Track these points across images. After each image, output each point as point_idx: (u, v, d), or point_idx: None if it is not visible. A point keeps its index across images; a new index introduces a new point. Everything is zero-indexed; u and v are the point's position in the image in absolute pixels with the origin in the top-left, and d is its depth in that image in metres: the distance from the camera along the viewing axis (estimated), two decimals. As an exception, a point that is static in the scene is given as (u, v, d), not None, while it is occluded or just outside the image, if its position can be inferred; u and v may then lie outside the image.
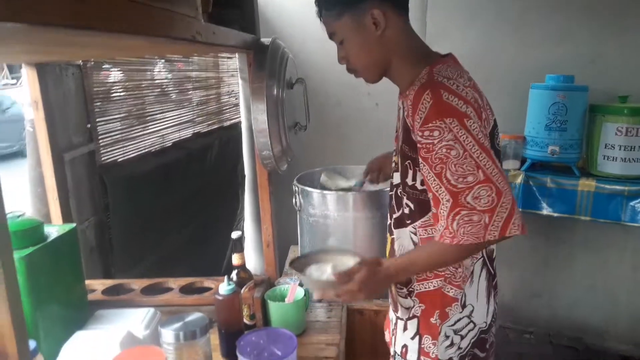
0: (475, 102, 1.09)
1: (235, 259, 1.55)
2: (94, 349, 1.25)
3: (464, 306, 1.22)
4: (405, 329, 1.28)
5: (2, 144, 8.41)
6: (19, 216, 1.39)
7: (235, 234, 1.55)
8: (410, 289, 1.26)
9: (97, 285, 1.61)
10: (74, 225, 1.43)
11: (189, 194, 2.44)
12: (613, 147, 2.41)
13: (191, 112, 2.54)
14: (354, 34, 1.17)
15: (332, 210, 1.81)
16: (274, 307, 1.50)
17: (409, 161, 1.16)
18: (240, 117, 3.16)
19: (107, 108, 1.86)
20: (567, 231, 2.83)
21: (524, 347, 2.93)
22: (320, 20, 1.23)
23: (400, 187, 1.24)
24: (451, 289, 1.21)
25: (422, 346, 1.24)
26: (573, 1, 2.66)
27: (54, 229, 1.39)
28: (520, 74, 2.73)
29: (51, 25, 0.57)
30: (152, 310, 1.47)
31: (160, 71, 2.26)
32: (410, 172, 1.17)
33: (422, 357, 1.24)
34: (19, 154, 8.03)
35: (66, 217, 1.59)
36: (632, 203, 2.35)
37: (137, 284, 1.62)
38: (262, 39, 1.49)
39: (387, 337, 1.47)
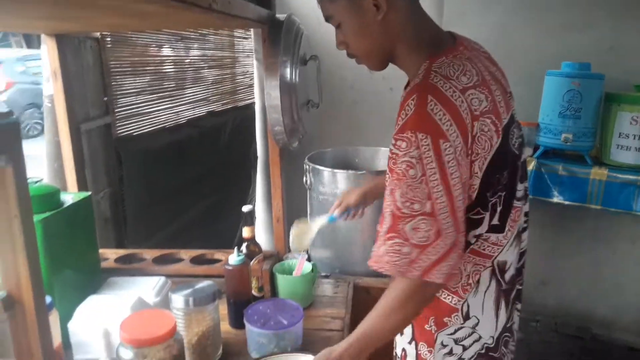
0: (470, 115, 0.96)
1: (246, 232, 1.58)
2: (106, 312, 1.29)
3: (466, 317, 1.12)
4: (402, 333, 1.22)
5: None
6: (36, 182, 1.43)
7: (246, 208, 1.58)
8: None
9: (110, 254, 1.65)
10: (89, 193, 1.46)
11: (202, 172, 2.47)
12: (627, 136, 2.40)
13: (206, 91, 2.56)
14: (352, 17, 1.05)
15: (341, 188, 1.83)
16: (282, 280, 1.53)
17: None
18: (254, 98, 3.19)
19: (124, 82, 1.89)
20: (577, 220, 2.82)
21: (530, 335, 2.94)
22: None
23: None
24: (448, 295, 1.11)
25: (419, 352, 1.17)
26: (593, -12, 2.63)
27: (70, 197, 1.42)
28: (537, 61, 2.71)
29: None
30: (163, 278, 1.51)
31: (176, 48, 2.28)
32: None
33: None
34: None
35: (82, 187, 1.63)
36: (644, 193, 2.34)
37: (149, 254, 1.66)
38: (277, 15, 1.51)
39: None
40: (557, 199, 2.53)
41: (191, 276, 1.42)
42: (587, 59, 2.51)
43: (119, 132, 1.84)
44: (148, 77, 2.04)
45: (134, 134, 1.94)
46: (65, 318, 1.25)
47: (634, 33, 2.60)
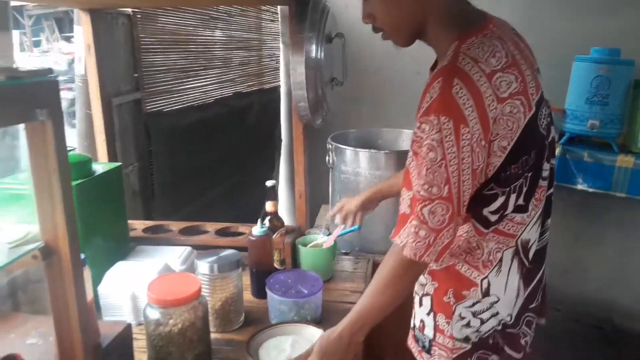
0: (495, 99, 0.95)
1: (269, 206, 1.62)
2: (134, 277, 1.35)
3: (486, 294, 1.12)
4: (420, 304, 1.23)
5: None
6: (69, 151, 1.49)
7: (269, 183, 1.61)
8: None
9: (138, 225, 1.71)
10: (119, 164, 1.52)
11: (227, 151, 2.52)
12: (656, 124, 2.36)
13: (232, 72, 2.60)
14: None
15: (363, 168, 1.85)
16: (303, 253, 1.57)
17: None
18: (280, 81, 3.22)
19: (153, 59, 1.93)
20: (602, 209, 2.79)
21: (551, 323, 2.91)
22: None
23: None
24: (468, 268, 1.12)
25: (437, 323, 1.18)
26: (626, -27, 2.58)
27: (100, 166, 1.48)
28: (565, 46, 2.67)
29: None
30: (189, 248, 1.56)
31: (204, 28, 2.32)
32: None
33: (437, 334, 1.19)
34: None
35: (112, 160, 1.69)
36: (671, 182, 2.31)
37: (176, 225, 1.71)
38: (304, -8, 1.53)
39: None
40: (581, 186, 2.51)
41: (216, 247, 1.46)
42: (617, 44, 2.47)
43: (148, 107, 1.89)
44: (177, 55, 2.08)
45: (163, 110, 1.98)
46: (95, 282, 1.31)
47: (667, 19, 2.55)
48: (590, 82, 2.44)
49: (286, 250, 1.59)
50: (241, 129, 2.65)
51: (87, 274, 1.20)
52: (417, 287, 1.24)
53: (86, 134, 1.78)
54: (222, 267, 1.29)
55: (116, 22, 1.73)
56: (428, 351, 1.21)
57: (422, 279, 1.21)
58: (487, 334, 1.15)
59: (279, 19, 3.07)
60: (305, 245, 1.61)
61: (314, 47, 1.49)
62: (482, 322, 1.14)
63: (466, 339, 1.15)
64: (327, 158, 1.99)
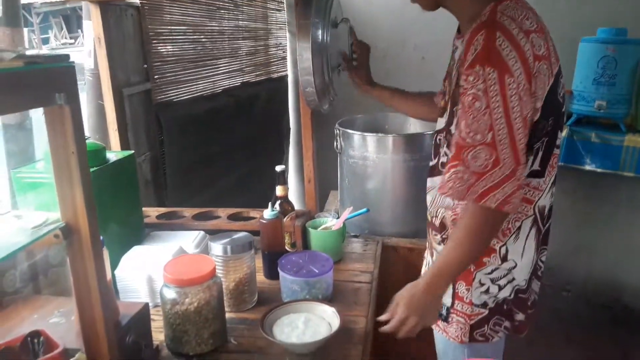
0: (532, 55, 1.02)
1: (279, 191, 1.66)
2: (150, 260, 1.39)
3: (504, 259, 1.19)
4: None
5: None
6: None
7: (279, 167, 1.65)
8: (444, 236, 1.27)
9: (152, 212, 1.75)
10: (132, 152, 1.55)
11: (236, 141, 2.55)
12: (664, 103, 2.36)
13: (240, 62, 2.63)
14: None
15: (371, 152, 1.87)
16: (313, 235, 1.60)
17: (457, 106, 1.12)
18: (287, 70, 3.25)
19: (162, 50, 1.97)
20: (610, 189, 2.80)
21: (560, 304, 2.94)
22: None
23: (442, 133, 1.24)
24: None
25: (457, 291, 1.24)
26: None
27: (114, 155, 1.52)
28: (571, 27, 2.66)
29: None
30: (202, 232, 1.61)
31: (211, 18, 2.34)
32: (455, 119, 1.14)
33: (456, 301, 1.25)
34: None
35: (125, 149, 1.73)
36: (680, 160, 2.31)
37: (189, 212, 1.75)
38: (309, -22, 1.55)
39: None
40: (589, 167, 2.52)
41: (228, 231, 1.49)
42: (624, 24, 2.46)
43: (158, 98, 1.93)
44: (185, 46, 2.12)
45: (174, 100, 2.02)
46: (111, 267, 1.34)
47: (674, -3, 2.53)
48: (597, 62, 2.44)
49: (297, 233, 1.62)
50: (250, 118, 2.68)
51: (106, 254, 1.24)
52: (435, 257, 1.31)
53: (97, 128, 1.81)
54: (235, 249, 1.32)
55: (125, 14, 1.77)
56: (445, 319, 1.27)
57: (442, 247, 1.27)
58: (502, 300, 1.22)
59: (285, 8, 3.09)
60: (315, 228, 1.64)
61: (320, 32, 1.51)
62: (500, 288, 1.21)
63: (484, 305, 1.22)
64: (335, 143, 2.02)
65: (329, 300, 1.36)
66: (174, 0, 1.99)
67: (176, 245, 1.47)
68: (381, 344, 1.79)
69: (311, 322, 1.20)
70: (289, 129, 3.30)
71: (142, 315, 1.11)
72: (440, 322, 1.29)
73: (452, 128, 1.16)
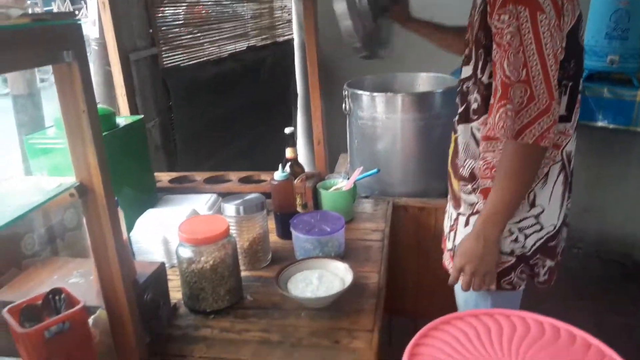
0: None
1: (288, 153, 1.66)
2: (164, 222, 1.40)
3: (532, 205, 1.21)
4: (466, 224, 1.30)
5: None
6: (94, 106, 1.53)
7: (288, 130, 1.64)
8: (475, 186, 1.27)
9: (164, 177, 1.76)
10: (141, 116, 1.56)
11: (244, 105, 2.54)
12: (678, 56, 2.31)
13: (244, 26, 2.60)
14: None
15: (380, 112, 1.86)
16: (324, 196, 1.61)
17: (481, 50, 1.15)
18: (293, 33, 3.21)
19: (167, 15, 1.95)
20: (622, 146, 2.77)
21: (572, 261, 2.95)
22: None
23: (470, 80, 1.24)
24: None
25: None
26: None
27: (123, 120, 1.52)
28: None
29: None
30: (214, 195, 1.62)
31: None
32: (481, 63, 1.17)
33: None
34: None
35: (133, 114, 1.73)
36: (694, 114, 2.28)
37: (200, 175, 1.76)
38: None
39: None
40: (601, 123, 2.49)
41: (240, 193, 1.50)
42: (637, -26, 2.39)
43: (165, 63, 1.92)
44: (189, 10, 2.09)
45: (180, 65, 2.01)
46: (127, 230, 1.37)
47: (690, -56, 2.45)
48: (609, 16, 2.39)
49: (308, 195, 1.63)
50: (257, 82, 2.67)
51: (121, 214, 1.26)
52: (463, 208, 1.32)
53: (106, 98, 1.81)
54: (248, 209, 1.34)
55: (128, -23, 1.75)
56: None
57: (472, 197, 1.28)
58: (530, 249, 1.24)
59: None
60: (326, 189, 1.64)
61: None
62: (526, 236, 1.23)
63: (511, 253, 1.24)
64: (343, 105, 2.00)
65: (341, 257, 1.37)
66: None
67: (190, 208, 1.48)
68: (395, 299, 1.82)
69: (325, 278, 1.22)
70: (297, 94, 3.28)
71: (159, 274, 1.13)
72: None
73: (479, 72, 1.19)
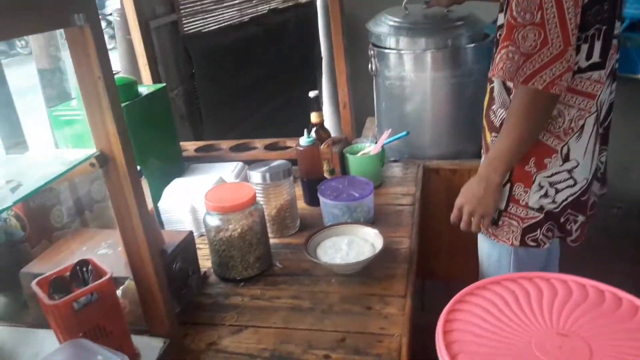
0: None
1: (314, 117, 1.61)
2: (192, 191, 1.39)
3: (566, 159, 1.16)
4: None
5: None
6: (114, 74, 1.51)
7: (312, 93, 1.59)
8: None
9: (190, 146, 1.75)
10: (164, 84, 1.53)
11: (268, 71, 2.49)
12: None
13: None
14: None
15: (408, 71, 1.79)
16: (352, 160, 1.56)
17: None
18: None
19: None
20: (667, 99, 2.63)
21: (610, 221, 2.86)
22: None
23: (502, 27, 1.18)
24: (549, 137, 1.15)
25: (513, 194, 1.21)
26: None
27: (145, 89, 1.49)
28: None
29: None
30: (240, 163, 1.60)
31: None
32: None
33: (510, 204, 1.22)
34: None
35: (156, 82, 1.71)
36: None
37: (226, 144, 1.74)
38: None
39: None
40: (643, 75, 2.36)
41: (266, 160, 1.48)
42: None
43: (185, 29, 1.88)
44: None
45: (201, 31, 1.97)
46: (154, 201, 1.36)
47: None
48: (654, -42, 2.23)
49: (335, 160, 1.59)
50: (280, 46, 2.61)
51: (145, 184, 1.25)
52: None
53: (130, 69, 1.78)
54: (274, 176, 1.31)
55: (144, -58, 1.70)
56: (495, 222, 1.25)
57: None
58: (560, 204, 1.20)
59: None
60: (353, 154, 1.60)
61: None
62: (557, 191, 1.19)
63: (540, 209, 1.20)
64: (369, 66, 1.93)
65: (371, 223, 1.34)
66: None
67: (216, 176, 1.46)
68: (427, 263, 1.79)
69: (354, 244, 1.19)
70: (321, 58, 3.20)
71: (187, 243, 1.12)
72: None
73: None
